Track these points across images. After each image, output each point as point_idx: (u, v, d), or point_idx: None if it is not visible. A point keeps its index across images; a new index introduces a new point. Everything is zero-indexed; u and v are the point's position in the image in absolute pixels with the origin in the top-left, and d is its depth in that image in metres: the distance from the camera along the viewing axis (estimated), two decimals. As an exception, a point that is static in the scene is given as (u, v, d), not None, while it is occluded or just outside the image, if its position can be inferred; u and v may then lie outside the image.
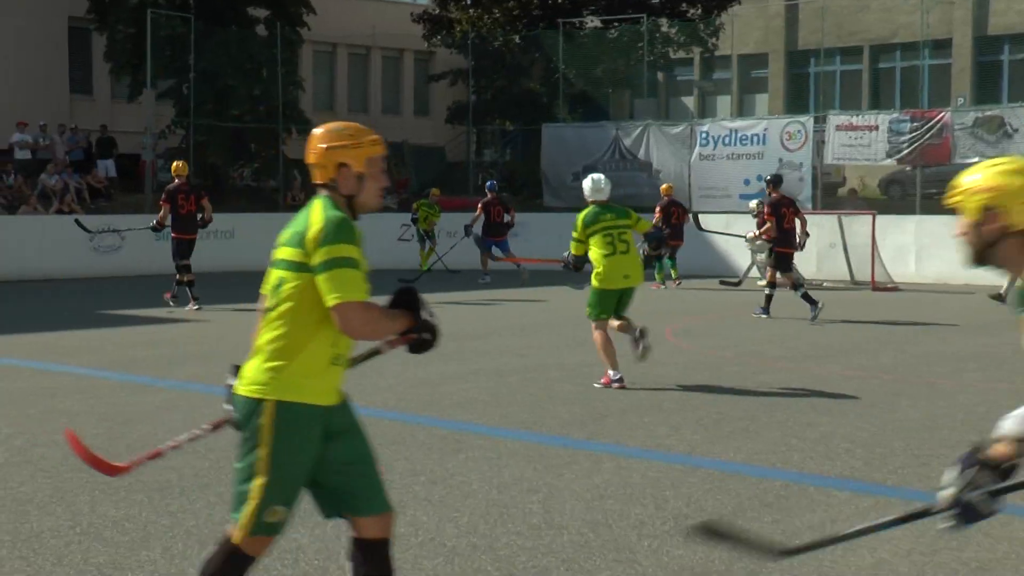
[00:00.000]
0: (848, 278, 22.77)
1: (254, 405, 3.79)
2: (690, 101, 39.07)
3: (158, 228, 17.32)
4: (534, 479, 6.65)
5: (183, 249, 17.10)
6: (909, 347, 13.01)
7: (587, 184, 10.60)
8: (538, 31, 33.06)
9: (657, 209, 21.93)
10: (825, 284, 22.51)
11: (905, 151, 24.69)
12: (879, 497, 6.31)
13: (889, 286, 21.80)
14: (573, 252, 10.41)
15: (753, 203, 22.80)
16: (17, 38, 31.78)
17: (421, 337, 3.94)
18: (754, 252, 22.56)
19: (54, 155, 28.41)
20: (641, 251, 10.56)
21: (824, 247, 23.55)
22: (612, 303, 10.25)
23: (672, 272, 21.98)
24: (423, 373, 10.70)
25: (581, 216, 10.36)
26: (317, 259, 3.73)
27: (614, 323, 10.31)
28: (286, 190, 29.66)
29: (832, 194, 29.14)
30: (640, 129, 28.51)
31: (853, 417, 8.62)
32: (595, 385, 9.93)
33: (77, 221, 21.25)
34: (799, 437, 7.88)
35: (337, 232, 3.75)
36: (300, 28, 31.41)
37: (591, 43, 32.68)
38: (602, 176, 10.72)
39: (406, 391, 9.70)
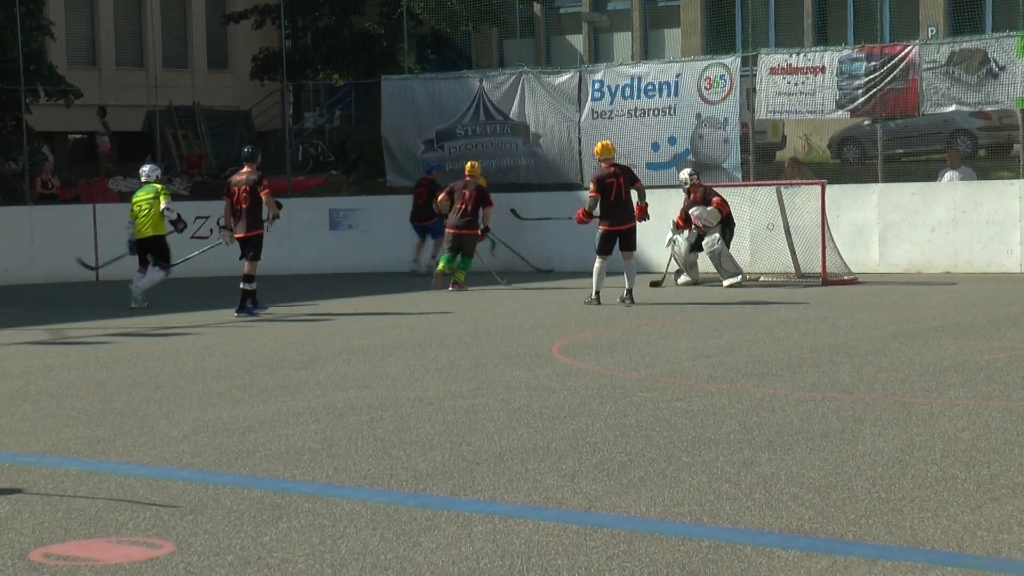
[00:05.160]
0: (792, 270, 23.16)
1: None
2: (578, 41, 39.34)
3: None
4: (381, 552, 6.65)
5: None
6: (873, 358, 13.28)
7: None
8: (372, -49, 33.05)
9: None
10: (762, 278, 22.87)
11: (861, 100, 25.15)
12: (836, 556, 6.43)
13: (846, 278, 22.25)
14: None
15: (684, 173, 22.91)
16: None
17: None
18: (672, 243, 22.81)
19: None
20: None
21: (759, 229, 23.89)
22: None
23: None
24: (228, 416, 10.63)
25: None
26: None
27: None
28: (34, 174, 29.15)
29: (768, 159, 29.61)
30: (512, 80, 28.59)
31: (802, 453, 8.77)
32: None
33: None
34: (732, 482, 7.99)
35: None
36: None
37: (444, -34, 32.77)
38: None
39: (206, 442, 9.62)
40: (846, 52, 25.62)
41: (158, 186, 20.45)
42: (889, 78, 24.68)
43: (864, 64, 25.00)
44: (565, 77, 28.10)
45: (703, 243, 22.15)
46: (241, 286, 19.09)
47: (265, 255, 25.13)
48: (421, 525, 7.13)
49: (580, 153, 27.47)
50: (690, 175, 22.70)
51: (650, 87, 26.96)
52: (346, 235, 27.69)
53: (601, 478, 8.17)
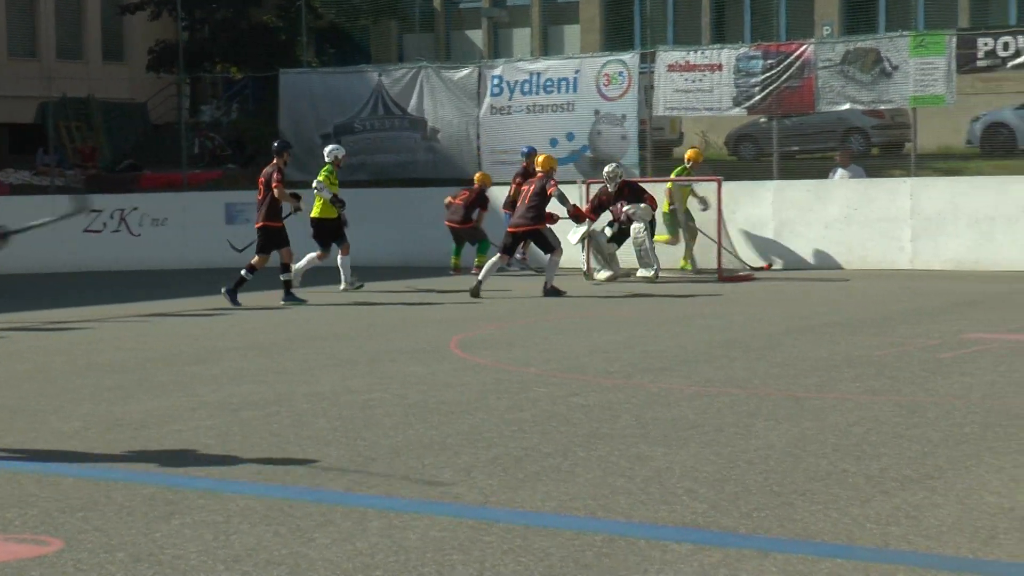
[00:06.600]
0: (688, 265, 23.32)
1: None
2: (478, 36, 39.39)
3: None
4: (275, 548, 6.61)
5: None
6: (768, 353, 13.41)
7: None
8: (270, -57, 32.90)
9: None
10: (659, 275, 22.98)
11: (757, 97, 25.41)
12: (729, 549, 6.47)
13: (741, 274, 22.46)
14: None
15: (609, 168, 22.66)
16: None
17: None
18: (586, 237, 22.72)
19: None
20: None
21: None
22: None
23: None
24: (120, 411, 10.54)
25: None
26: None
27: None
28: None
29: (666, 155, 29.80)
30: (411, 74, 28.58)
31: (696, 447, 8.83)
32: None
33: None
34: (626, 476, 8.03)
35: None
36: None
37: (342, -41, 32.69)
38: None
39: (97, 437, 9.52)
40: (743, 50, 25.88)
41: (325, 168, 20.99)
42: (785, 76, 24.95)
43: (761, 62, 25.27)
44: (464, 72, 28.15)
45: (631, 231, 21.99)
46: (281, 277, 19.91)
47: (161, 249, 25.02)
48: (316, 521, 7.10)
49: (478, 148, 27.56)
50: (613, 169, 22.41)
51: (549, 83, 27.08)
52: (243, 229, 27.46)
53: (497, 473, 8.18)
